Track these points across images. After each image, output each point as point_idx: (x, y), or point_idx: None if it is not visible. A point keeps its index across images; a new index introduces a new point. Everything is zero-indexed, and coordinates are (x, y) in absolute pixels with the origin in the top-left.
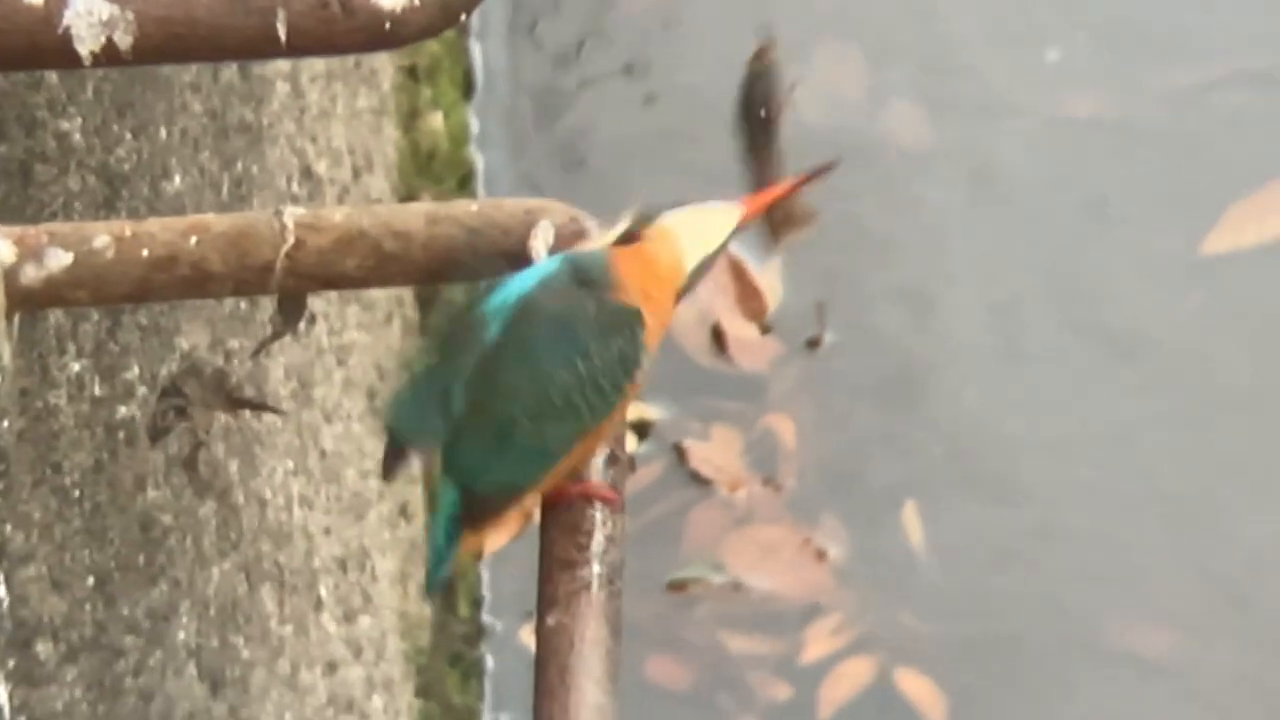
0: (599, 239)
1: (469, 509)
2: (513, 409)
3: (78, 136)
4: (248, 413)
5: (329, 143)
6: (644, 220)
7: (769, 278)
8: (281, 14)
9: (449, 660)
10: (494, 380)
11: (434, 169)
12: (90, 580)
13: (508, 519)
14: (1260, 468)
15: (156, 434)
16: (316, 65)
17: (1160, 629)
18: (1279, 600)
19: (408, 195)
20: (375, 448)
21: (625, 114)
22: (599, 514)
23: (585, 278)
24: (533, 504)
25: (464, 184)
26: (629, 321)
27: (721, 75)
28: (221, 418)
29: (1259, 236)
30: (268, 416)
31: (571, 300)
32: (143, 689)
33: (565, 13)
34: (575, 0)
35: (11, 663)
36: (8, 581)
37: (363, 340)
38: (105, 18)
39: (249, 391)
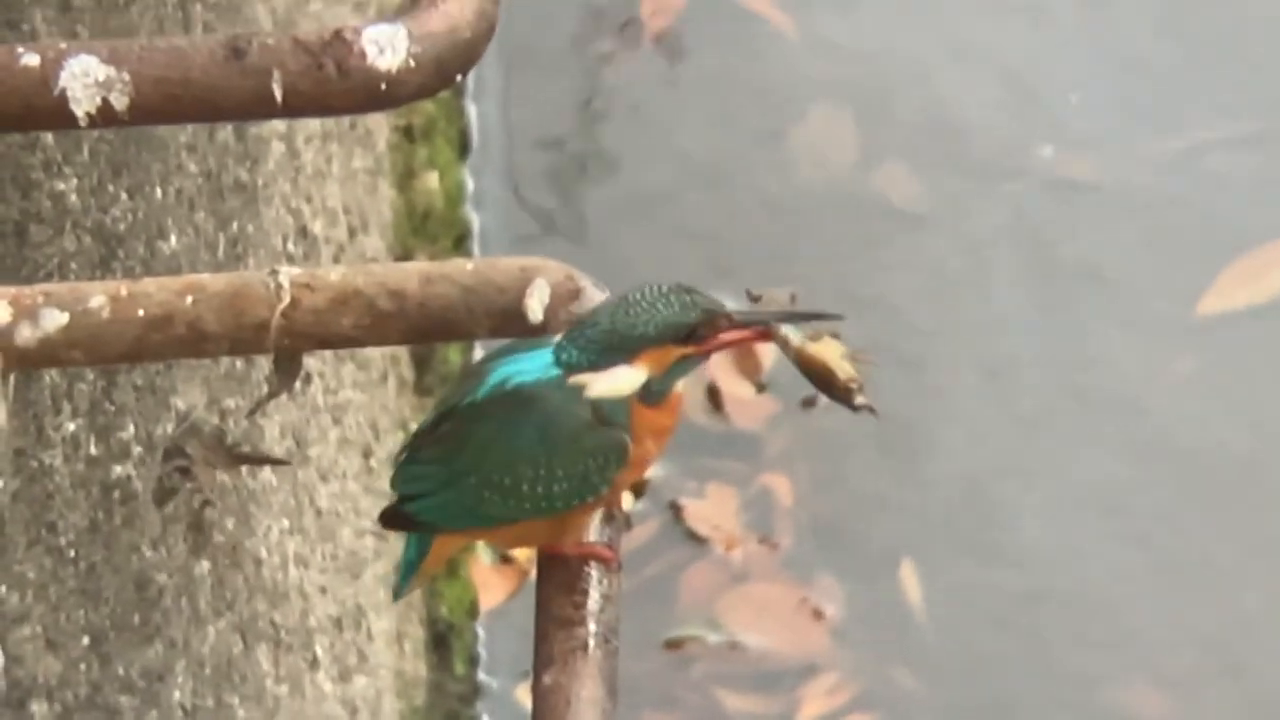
0: (627, 381)
1: (394, 517)
2: (469, 464)
3: (73, 197)
4: (244, 472)
5: (324, 202)
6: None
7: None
8: (277, 75)
9: (445, 719)
10: (471, 430)
11: (429, 228)
12: (85, 640)
13: (442, 548)
14: (1255, 532)
15: (163, 497)
16: (312, 125)
17: (1154, 692)
18: (1272, 664)
19: (403, 254)
20: (370, 506)
21: (618, 174)
22: (595, 573)
23: (604, 417)
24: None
25: (459, 243)
26: (610, 453)
27: (714, 137)
28: (220, 476)
29: (1252, 298)
30: (264, 475)
31: (574, 410)
32: None
33: (560, 74)
34: (569, 62)
35: None
36: (3, 641)
37: (358, 399)
38: (101, 79)
39: (247, 448)
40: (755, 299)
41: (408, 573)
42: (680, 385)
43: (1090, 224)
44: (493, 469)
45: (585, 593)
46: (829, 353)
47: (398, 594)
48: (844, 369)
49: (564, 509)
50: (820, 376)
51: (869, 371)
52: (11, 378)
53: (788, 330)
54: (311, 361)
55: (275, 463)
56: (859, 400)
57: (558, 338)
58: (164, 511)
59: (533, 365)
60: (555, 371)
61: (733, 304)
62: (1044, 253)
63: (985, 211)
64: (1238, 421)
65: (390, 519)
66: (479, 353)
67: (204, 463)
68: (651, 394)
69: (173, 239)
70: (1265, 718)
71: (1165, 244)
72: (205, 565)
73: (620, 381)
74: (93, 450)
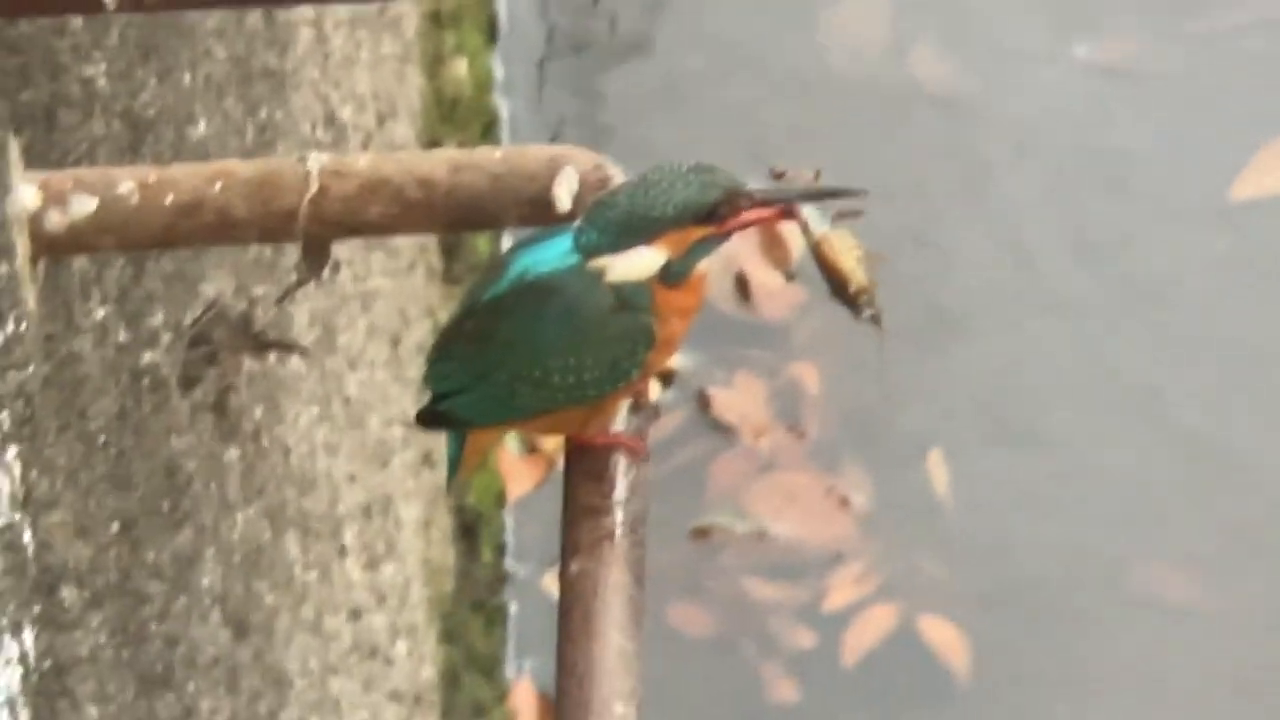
0: (645, 263)
1: (431, 417)
2: (498, 359)
3: (102, 82)
4: (272, 358)
5: (353, 89)
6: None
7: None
8: None
9: (472, 607)
10: (495, 326)
11: (458, 116)
12: (115, 526)
13: (480, 441)
14: None
15: (188, 383)
16: (341, 11)
17: (1183, 573)
18: None
19: (432, 142)
20: (399, 394)
21: (648, 61)
22: (623, 462)
23: (626, 301)
24: (494, 439)
25: (488, 131)
26: (635, 336)
27: (746, 20)
28: (247, 364)
29: None
30: (292, 363)
31: (595, 298)
32: (167, 635)
33: None
34: None
35: (37, 608)
36: (33, 527)
37: (387, 287)
38: None
39: (274, 334)
40: (779, 176)
41: (452, 468)
42: (703, 265)
43: (1123, 109)
44: (522, 363)
45: (613, 482)
46: (845, 254)
47: (454, 492)
48: (857, 276)
49: (597, 395)
50: (833, 278)
51: (883, 271)
52: (41, 263)
53: (809, 213)
54: (340, 249)
55: (300, 350)
56: (866, 312)
57: (577, 222)
58: (191, 397)
59: (551, 253)
60: (574, 258)
61: (760, 185)
62: (1077, 138)
63: (1018, 97)
64: (1272, 305)
65: (426, 418)
66: (508, 242)
67: (229, 348)
68: (672, 275)
69: (201, 125)
70: None
71: (1199, 129)
72: (234, 452)
73: (639, 264)
74: (122, 337)
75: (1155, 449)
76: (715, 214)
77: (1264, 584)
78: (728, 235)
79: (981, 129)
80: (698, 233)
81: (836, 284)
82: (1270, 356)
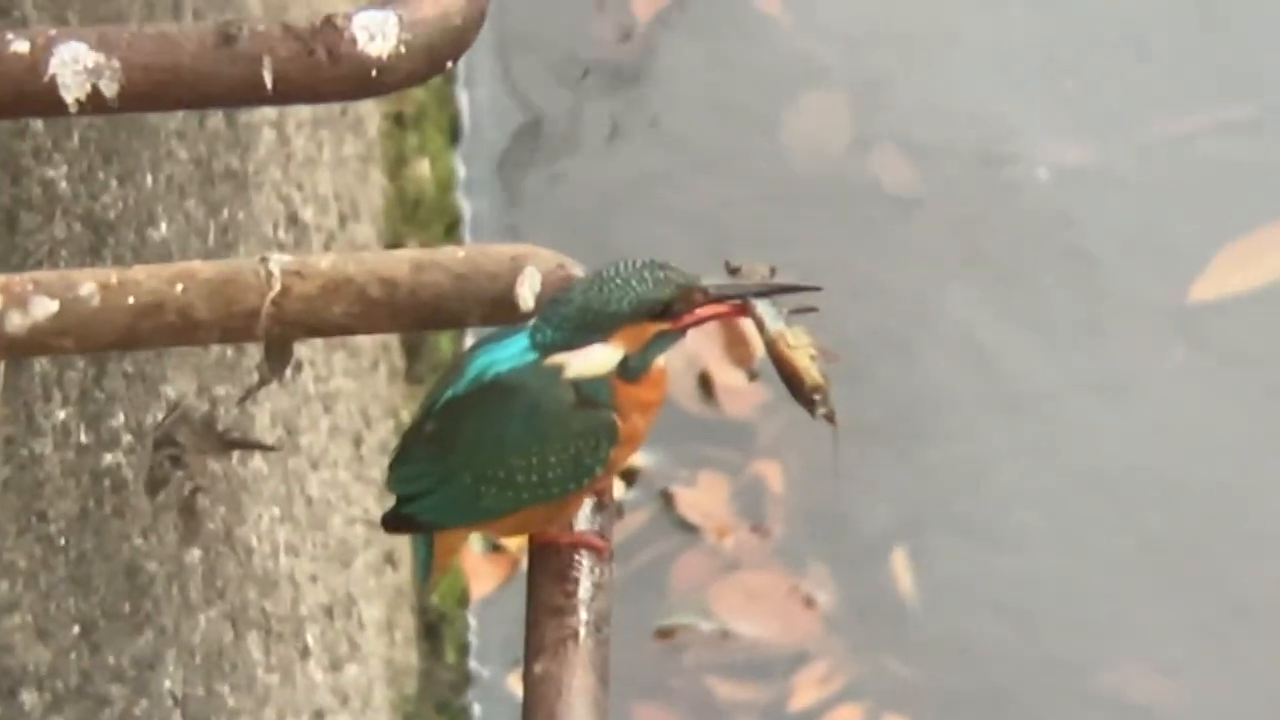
0: (602, 360)
1: (396, 521)
2: (461, 460)
3: (64, 184)
4: (235, 460)
5: (315, 189)
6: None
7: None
8: (268, 61)
9: (436, 708)
10: (457, 427)
11: (420, 215)
12: (76, 629)
13: (448, 542)
14: (1249, 516)
15: (155, 486)
16: (303, 112)
17: (1149, 676)
18: (1267, 647)
19: (394, 242)
20: (362, 494)
21: (611, 160)
22: (587, 561)
23: (586, 397)
24: (461, 540)
25: (451, 230)
26: (599, 431)
27: (707, 122)
28: (212, 465)
29: (1245, 283)
30: (254, 464)
31: (556, 394)
32: None
33: (550, 60)
34: (560, 48)
35: None
36: None
37: (349, 387)
38: (91, 65)
39: (237, 433)
40: (734, 271)
41: (424, 573)
42: (662, 360)
43: (1083, 209)
44: (486, 463)
45: (576, 581)
46: (799, 352)
47: (425, 595)
48: (811, 375)
49: (562, 494)
50: (788, 375)
51: (846, 369)
52: (1, 365)
53: (764, 310)
54: (302, 349)
55: (265, 448)
56: (820, 410)
57: (533, 320)
58: (156, 500)
59: (509, 351)
60: (532, 355)
61: (716, 280)
62: (1037, 238)
63: (979, 196)
64: (1232, 408)
65: (391, 523)
66: (471, 341)
67: (195, 449)
68: (631, 370)
69: (163, 226)
70: (1261, 704)
71: (1158, 230)
72: (196, 554)
73: (596, 361)
74: (83, 438)
75: (1120, 550)
76: (670, 310)
77: (1231, 683)
78: (684, 331)
79: (942, 229)
80: (653, 329)
81: (791, 381)
82: (1232, 455)
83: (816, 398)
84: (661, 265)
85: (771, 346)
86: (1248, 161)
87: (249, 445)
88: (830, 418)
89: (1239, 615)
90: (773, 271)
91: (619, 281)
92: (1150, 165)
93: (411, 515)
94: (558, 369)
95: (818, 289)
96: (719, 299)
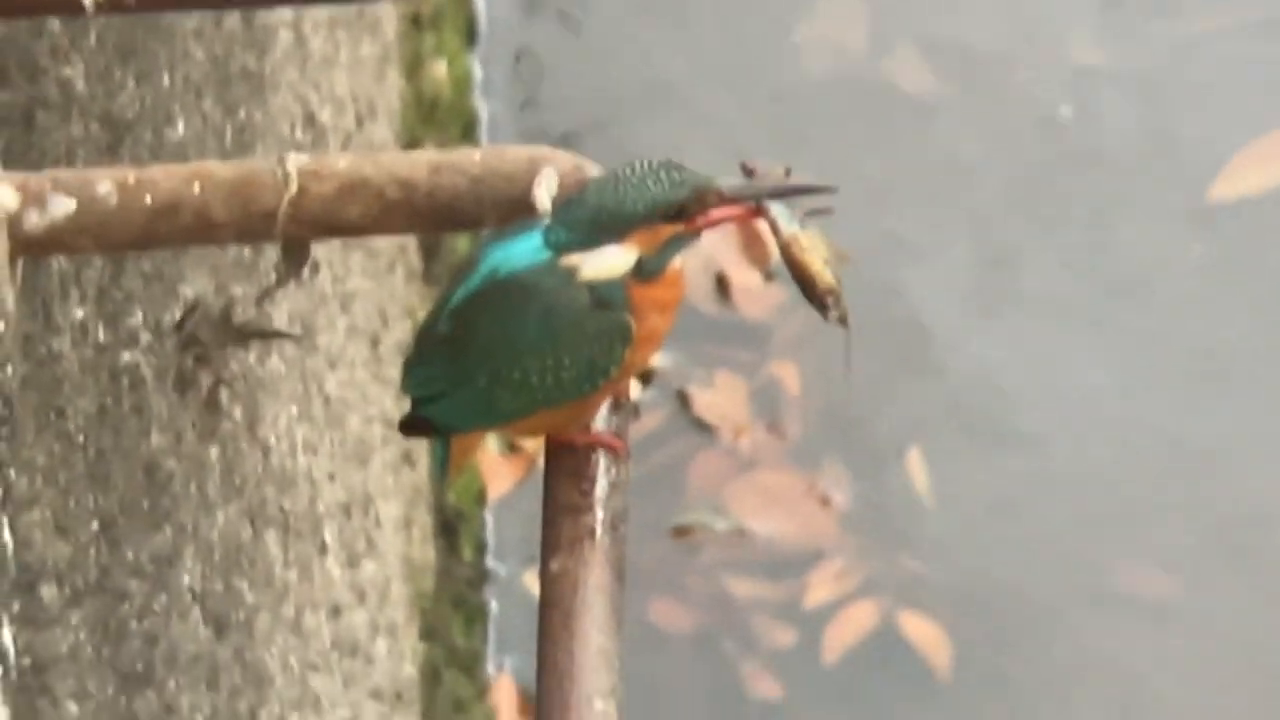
0: (617, 262)
1: (413, 424)
2: (475, 362)
3: (80, 84)
4: (253, 358)
5: (332, 90)
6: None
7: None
8: None
9: (453, 604)
10: (470, 328)
11: (438, 117)
12: (94, 525)
13: (465, 442)
14: (1262, 416)
15: (185, 385)
16: (320, 13)
17: (1161, 574)
18: (1278, 547)
19: (411, 143)
20: (379, 394)
21: (628, 62)
22: (603, 460)
23: (601, 299)
24: (478, 440)
25: (467, 132)
26: (612, 334)
27: (719, 22)
28: (235, 359)
29: (1264, 183)
30: (272, 363)
31: (570, 296)
32: (147, 633)
33: None
34: None
35: (16, 606)
36: (12, 526)
37: (366, 287)
38: None
39: (257, 326)
40: (749, 172)
41: (441, 471)
42: (678, 260)
43: (1102, 110)
44: (500, 365)
45: (593, 480)
46: (813, 254)
47: (442, 493)
48: (824, 277)
49: (577, 395)
50: (801, 278)
51: (860, 272)
52: (19, 264)
53: (778, 212)
54: (319, 250)
55: (284, 337)
56: (832, 313)
57: (546, 219)
58: (185, 398)
59: (522, 249)
60: (545, 254)
61: (731, 182)
62: (1055, 139)
63: (996, 99)
64: (1248, 308)
65: (408, 426)
66: None
67: (215, 344)
68: (646, 271)
69: (180, 126)
70: (1272, 602)
71: (1176, 130)
72: (214, 451)
73: (611, 262)
74: (101, 337)
75: (1131, 449)
76: (685, 211)
77: (1241, 580)
78: (699, 233)
79: (958, 131)
80: (668, 230)
81: (804, 284)
82: (1245, 356)
83: (829, 300)
84: (676, 166)
85: (785, 249)
86: (1266, 62)
87: (266, 334)
88: (843, 320)
89: (1251, 516)
90: (788, 173)
91: (634, 183)
92: (1168, 65)
93: (428, 418)
94: (572, 270)
95: (832, 190)
96: (733, 200)
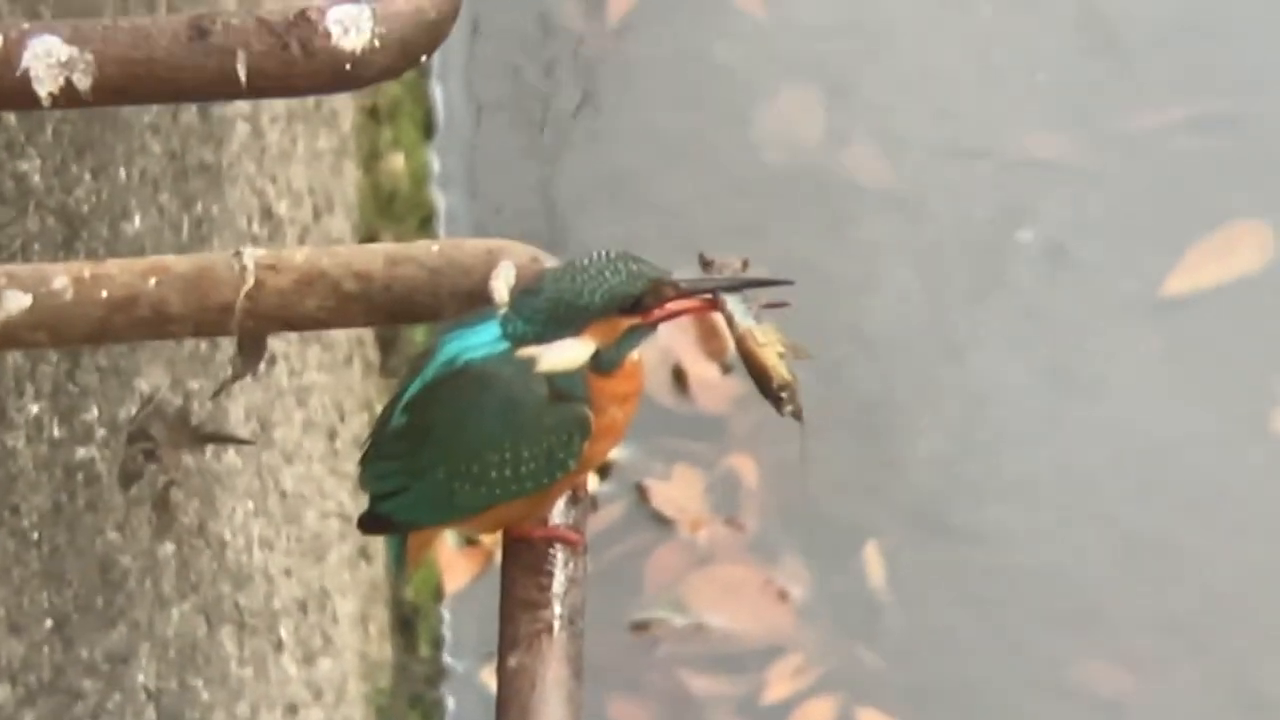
0: (574, 355)
1: (372, 522)
2: (433, 456)
3: (36, 178)
4: (209, 454)
5: (289, 183)
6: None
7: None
8: (241, 55)
9: (410, 702)
10: (428, 419)
11: (395, 209)
12: (49, 623)
13: (422, 537)
14: (1220, 510)
15: (128, 479)
16: (277, 106)
17: (1120, 669)
18: (1236, 640)
19: (369, 236)
20: (335, 488)
21: (585, 153)
22: (561, 555)
23: (560, 391)
24: (434, 535)
25: (425, 224)
26: (570, 426)
27: (681, 116)
28: (186, 459)
29: (1219, 277)
30: (228, 458)
31: (529, 388)
32: None
33: (525, 54)
34: (534, 42)
35: None
36: None
37: (323, 381)
38: (64, 59)
39: (211, 427)
40: (708, 263)
41: (398, 566)
42: (636, 353)
43: (1057, 203)
44: (459, 458)
45: (550, 575)
46: (768, 349)
47: (400, 588)
48: (778, 371)
49: (535, 488)
50: (756, 372)
51: (820, 364)
52: None
53: (734, 306)
54: (276, 343)
55: (239, 442)
56: (787, 408)
57: (503, 309)
58: (129, 494)
59: (480, 339)
60: (503, 345)
61: (689, 274)
62: (1011, 232)
63: (952, 190)
64: (1204, 402)
65: (367, 524)
66: None
67: (169, 443)
68: (604, 364)
69: (137, 220)
70: (1229, 692)
71: (1132, 224)
72: (169, 548)
73: (568, 355)
74: (56, 432)
75: (1091, 544)
76: (641, 304)
77: (1199, 676)
78: (655, 326)
79: (916, 222)
80: (625, 323)
81: (759, 378)
82: (1202, 451)
83: (784, 395)
84: (633, 258)
85: (740, 343)
86: (1220, 156)
87: (223, 439)
88: (797, 415)
89: (1209, 610)
90: (745, 265)
91: (590, 274)
92: (1123, 159)
93: (387, 514)
94: (530, 361)
95: (789, 283)
96: (690, 293)
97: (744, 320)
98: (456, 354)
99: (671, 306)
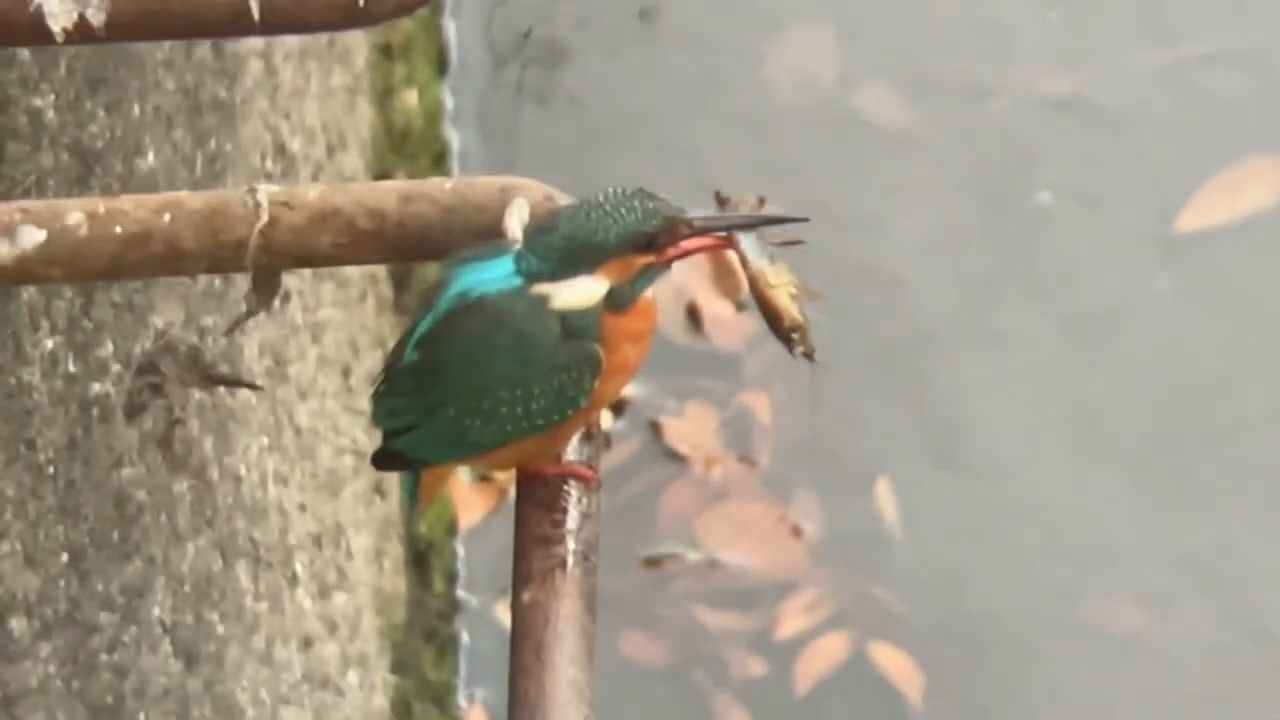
0: (588, 293)
1: (386, 458)
2: (445, 391)
3: (50, 114)
4: (222, 389)
5: (303, 120)
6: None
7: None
8: None
9: (424, 636)
10: (440, 355)
11: (408, 147)
12: (64, 557)
13: (436, 473)
14: (1230, 447)
15: (132, 411)
16: (290, 43)
17: (1131, 606)
18: (1247, 577)
19: (382, 173)
20: (350, 424)
21: (598, 95)
22: (574, 491)
23: (572, 329)
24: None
25: (438, 162)
26: (582, 365)
27: (689, 53)
28: (196, 395)
29: (1231, 214)
30: (243, 393)
31: (541, 325)
32: (117, 665)
33: None
34: None
35: None
36: None
37: (337, 317)
38: None
39: (224, 368)
40: (724, 201)
41: (411, 502)
42: (650, 290)
43: (1070, 141)
44: (469, 393)
45: (564, 511)
46: (780, 290)
47: (413, 524)
48: (790, 313)
49: (547, 425)
50: (768, 313)
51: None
52: None
53: (748, 245)
54: (290, 279)
55: (249, 386)
56: (798, 349)
57: (517, 245)
58: (140, 427)
59: (494, 274)
60: (517, 281)
61: (704, 212)
62: (1024, 170)
63: (966, 129)
64: (1215, 339)
65: (381, 460)
66: None
67: (177, 380)
68: (618, 302)
69: (150, 156)
70: (1240, 628)
71: (1145, 161)
72: (184, 482)
73: (582, 294)
74: (71, 367)
75: (1102, 480)
76: (656, 242)
77: (1212, 613)
78: (670, 264)
79: (929, 162)
80: (639, 261)
81: (770, 319)
82: (1216, 388)
83: (795, 336)
84: (648, 195)
85: (753, 284)
86: (1233, 93)
87: (232, 382)
88: (809, 356)
89: (1221, 546)
90: (761, 201)
91: (605, 212)
92: (1136, 96)
93: (400, 451)
94: (544, 299)
95: (804, 220)
96: (704, 231)
97: (758, 261)
98: (469, 287)
99: (686, 245)
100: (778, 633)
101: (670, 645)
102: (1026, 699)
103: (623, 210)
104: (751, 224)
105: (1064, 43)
